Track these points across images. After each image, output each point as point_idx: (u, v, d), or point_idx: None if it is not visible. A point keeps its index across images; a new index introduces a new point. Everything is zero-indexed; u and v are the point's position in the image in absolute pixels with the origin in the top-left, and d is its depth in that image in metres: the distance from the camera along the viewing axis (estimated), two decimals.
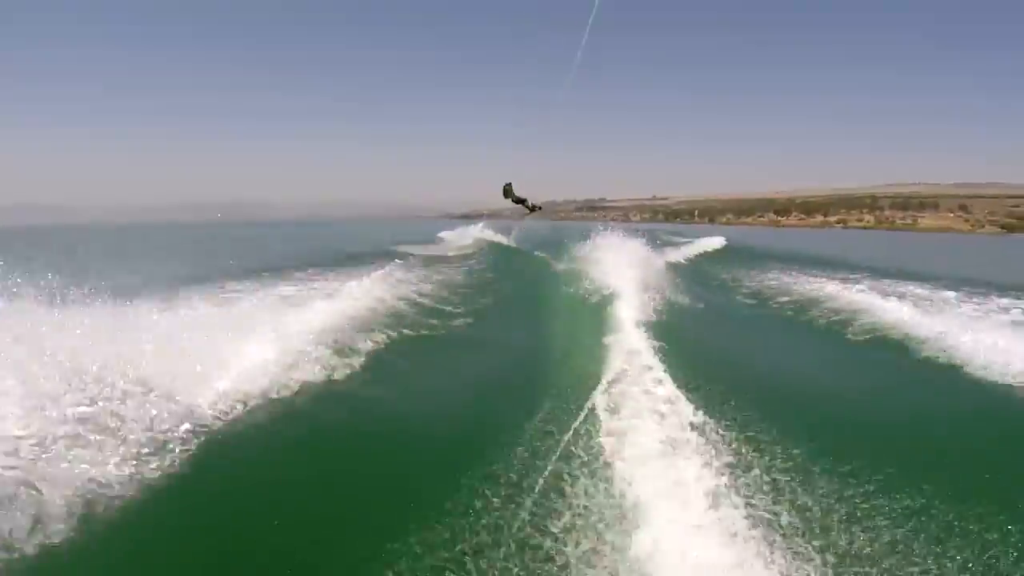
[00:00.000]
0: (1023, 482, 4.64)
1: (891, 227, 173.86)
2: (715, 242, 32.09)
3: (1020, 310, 11.52)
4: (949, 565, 3.63)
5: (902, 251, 46.60)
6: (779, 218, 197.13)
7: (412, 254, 21.47)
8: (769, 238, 55.07)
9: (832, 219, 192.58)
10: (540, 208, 24.50)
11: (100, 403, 4.46)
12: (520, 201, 24.81)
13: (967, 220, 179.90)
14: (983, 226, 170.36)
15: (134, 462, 4.15)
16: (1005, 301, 12.43)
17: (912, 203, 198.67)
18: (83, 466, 3.93)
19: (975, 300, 12.60)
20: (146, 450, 4.31)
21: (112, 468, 4.01)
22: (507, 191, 24.74)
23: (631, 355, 7.02)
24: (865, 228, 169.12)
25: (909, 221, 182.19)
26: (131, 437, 4.34)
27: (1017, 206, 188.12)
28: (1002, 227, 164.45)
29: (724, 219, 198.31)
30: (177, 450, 4.45)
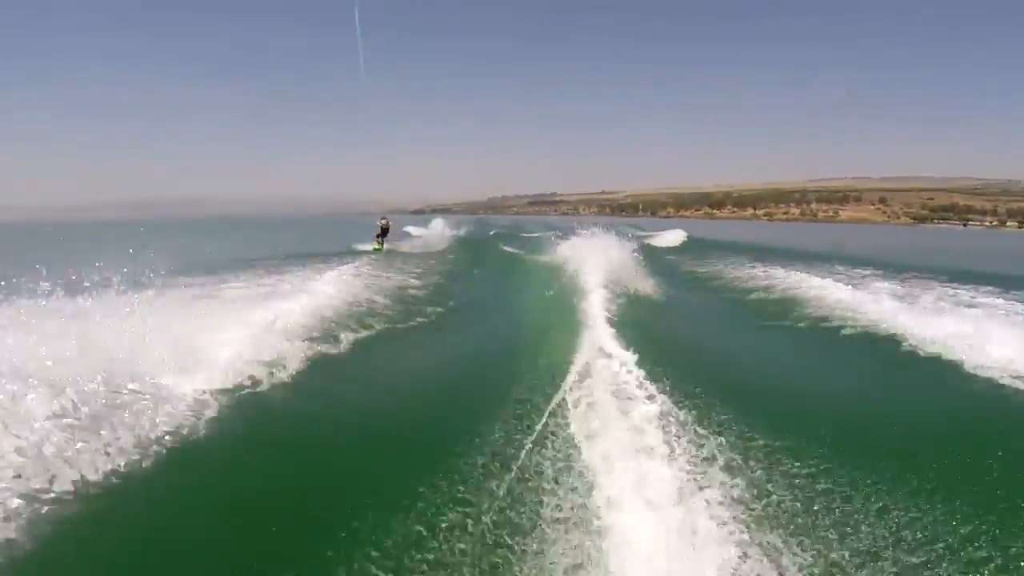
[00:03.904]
0: (981, 470, 4.53)
1: (813, 219, 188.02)
2: (676, 236, 33.23)
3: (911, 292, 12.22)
4: (906, 551, 3.59)
5: (820, 240, 48.71)
6: (713, 211, 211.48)
7: (381, 248, 23.04)
8: (706, 228, 58.03)
9: (760, 212, 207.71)
10: (386, 232, 25.84)
11: (74, 399, 4.44)
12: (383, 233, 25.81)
13: (884, 212, 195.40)
14: (899, 217, 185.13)
15: (106, 457, 4.11)
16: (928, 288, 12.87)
17: (836, 197, 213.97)
18: (64, 461, 3.92)
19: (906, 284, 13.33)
20: (119, 446, 4.26)
21: (85, 464, 3.97)
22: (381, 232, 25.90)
23: (600, 348, 7.12)
24: (789, 220, 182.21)
25: (831, 213, 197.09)
26: (103, 432, 4.31)
27: (931, 199, 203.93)
28: (913, 218, 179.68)
29: (665, 212, 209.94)
30: (152, 446, 4.40)
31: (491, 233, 39.73)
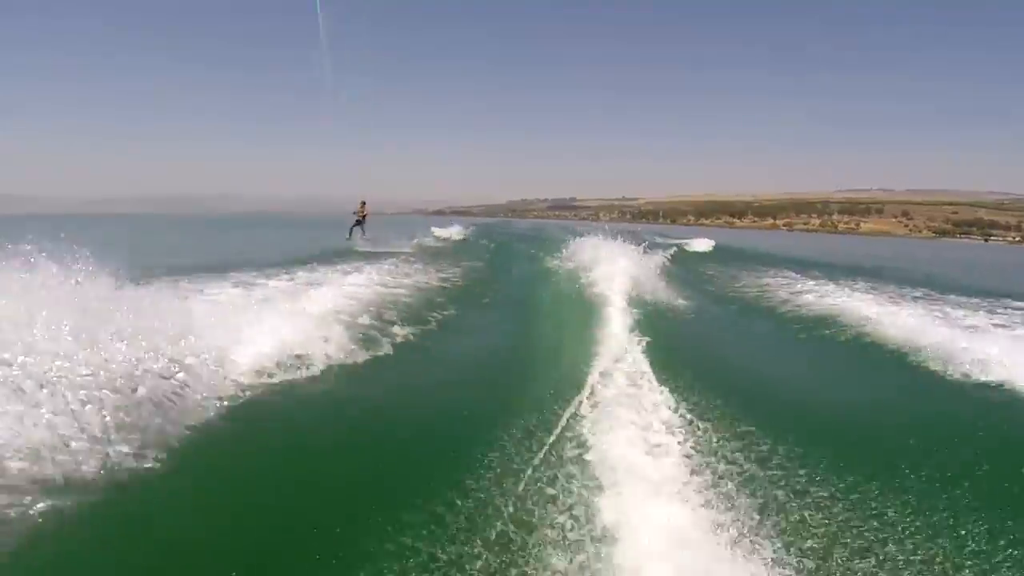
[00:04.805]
0: (996, 481, 4.54)
1: (833, 230, 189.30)
2: (704, 243, 33.30)
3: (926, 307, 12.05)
4: (929, 565, 3.57)
5: (841, 251, 47.58)
6: (733, 220, 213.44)
7: (406, 249, 22.94)
8: (729, 237, 57.90)
9: (780, 222, 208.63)
10: (363, 218, 25.55)
11: (123, 377, 4.50)
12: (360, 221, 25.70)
13: (906, 225, 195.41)
14: (920, 231, 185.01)
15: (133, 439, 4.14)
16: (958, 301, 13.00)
17: (858, 208, 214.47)
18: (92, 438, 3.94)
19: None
20: (153, 427, 4.33)
21: (116, 444, 4.00)
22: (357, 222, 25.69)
23: (619, 356, 7.06)
24: (809, 231, 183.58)
25: (852, 225, 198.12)
26: (142, 412, 4.37)
27: (955, 212, 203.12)
28: (935, 232, 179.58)
29: (685, 220, 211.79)
30: (166, 441, 4.36)
31: (500, 234, 39.12)
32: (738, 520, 3.92)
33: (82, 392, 4.26)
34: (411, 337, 8.80)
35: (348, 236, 24.92)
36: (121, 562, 3.39)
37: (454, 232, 36.34)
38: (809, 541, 3.79)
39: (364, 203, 26.29)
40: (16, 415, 3.85)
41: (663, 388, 6.05)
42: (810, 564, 3.59)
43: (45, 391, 4.12)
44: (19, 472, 3.57)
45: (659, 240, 34.39)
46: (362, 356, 7.36)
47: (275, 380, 5.93)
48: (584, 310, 10.36)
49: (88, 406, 4.19)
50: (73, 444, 3.88)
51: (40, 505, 3.48)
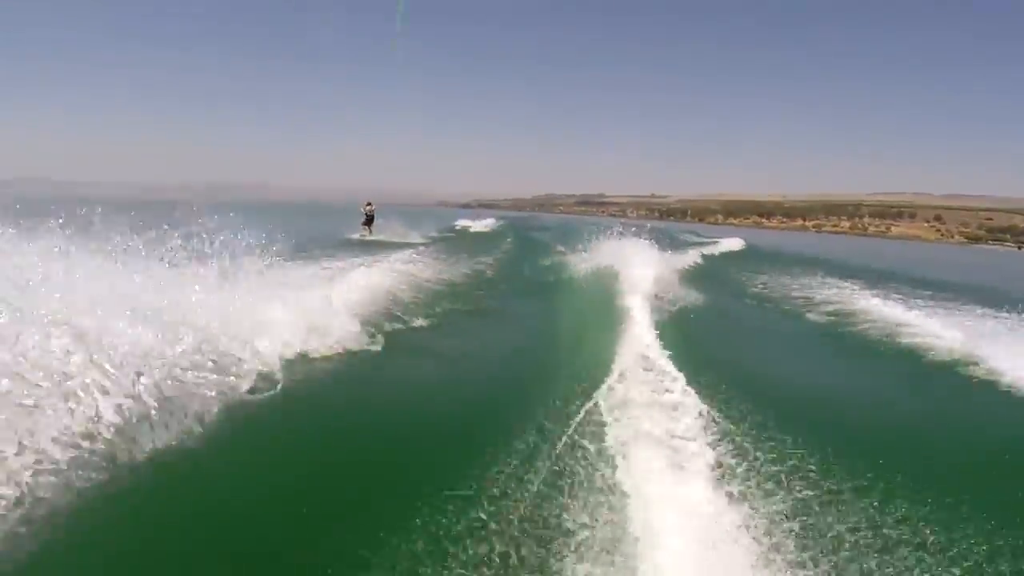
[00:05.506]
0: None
1: (863, 232, 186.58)
2: (735, 242, 33.69)
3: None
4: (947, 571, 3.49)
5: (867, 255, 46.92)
6: (762, 220, 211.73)
7: (433, 240, 24.03)
8: (759, 237, 57.47)
9: (809, 223, 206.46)
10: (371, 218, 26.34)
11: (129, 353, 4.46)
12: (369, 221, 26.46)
13: (938, 230, 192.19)
14: (952, 236, 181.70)
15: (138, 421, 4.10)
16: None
17: (890, 212, 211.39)
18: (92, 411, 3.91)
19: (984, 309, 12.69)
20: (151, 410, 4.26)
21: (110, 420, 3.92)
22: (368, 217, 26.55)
23: (641, 352, 7.02)
24: (838, 232, 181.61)
25: (882, 229, 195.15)
26: (152, 394, 4.34)
27: (990, 219, 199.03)
28: (968, 238, 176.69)
29: (713, 219, 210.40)
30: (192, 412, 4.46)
31: (525, 227, 38.94)
32: (762, 524, 3.85)
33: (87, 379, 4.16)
34: (427, 330, 8.78)
35: (361, 234, 25.69)
36: (121, 561, 3.33)
37: (479, 225, 36.59)
38: (839, 550, 3.65)
39: (370, 203, 26.91)
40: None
41: (686, 388, 5.91)
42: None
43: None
44: (21, 467, 3.40)
45: (687, 238, 35.11)
46: (376, 349, 7.34)
47: (285, 374, 5.82)
48: (606, 307, 10.19)
49: (94, 393, 4.09)
50: (74, 436, 3.76)
51: (43, 498, 3.36)
